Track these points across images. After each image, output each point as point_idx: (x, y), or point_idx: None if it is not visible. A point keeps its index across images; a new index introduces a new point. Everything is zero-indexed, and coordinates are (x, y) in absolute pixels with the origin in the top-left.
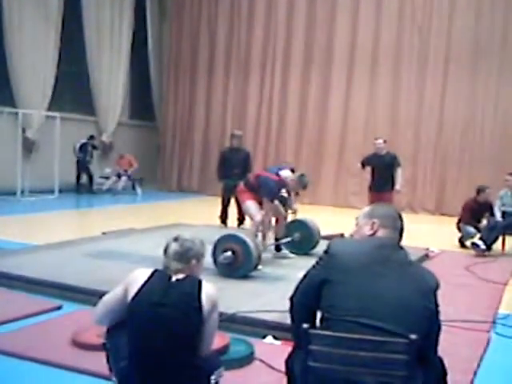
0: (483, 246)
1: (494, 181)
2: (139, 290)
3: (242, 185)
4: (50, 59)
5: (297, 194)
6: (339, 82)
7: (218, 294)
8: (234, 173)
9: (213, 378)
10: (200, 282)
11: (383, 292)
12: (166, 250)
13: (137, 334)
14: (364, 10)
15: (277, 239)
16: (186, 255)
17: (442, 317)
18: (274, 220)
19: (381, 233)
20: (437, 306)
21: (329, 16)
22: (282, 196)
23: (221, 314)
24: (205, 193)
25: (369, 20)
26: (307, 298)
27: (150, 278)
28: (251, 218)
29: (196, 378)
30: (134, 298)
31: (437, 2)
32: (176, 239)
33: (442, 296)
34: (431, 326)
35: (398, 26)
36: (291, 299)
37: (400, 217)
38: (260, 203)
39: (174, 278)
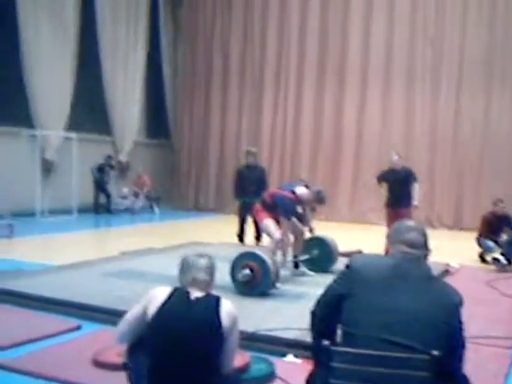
0: (504, 261)
1: None
2: (159, 309)
3: (258, 204)
4: (67, 81)
5: (313, 209)
6: (353, 97)
7: (237, 311)
8: (250, 190)
9: None
10: (219, 300)
11: (404, 307)
12: (189, 264)
13: (157, 352)
14: (376, 25)
15: (295, 256)
16: (212, 270)
17: (465, 333)
18: (292, 237)
19: (391, 249)
20: (460, 322)
21: (341, 31)
22: (298, 213)
23: (240, 333)
24: (221, 211)
25: (381, 34)
26: (328, 312)
27: (169, 297)
28: (270, 237)
29: None
30: (154, 317)
31: (449, 14)
32: (201, 255)
33: (463, 312)
34: (453, 342)
35: (411, 40)
36: (312, 313)
37: (415, 228)
38: (277, 221)
39: (193, 297)
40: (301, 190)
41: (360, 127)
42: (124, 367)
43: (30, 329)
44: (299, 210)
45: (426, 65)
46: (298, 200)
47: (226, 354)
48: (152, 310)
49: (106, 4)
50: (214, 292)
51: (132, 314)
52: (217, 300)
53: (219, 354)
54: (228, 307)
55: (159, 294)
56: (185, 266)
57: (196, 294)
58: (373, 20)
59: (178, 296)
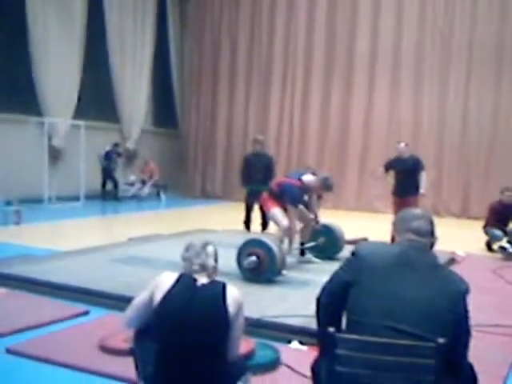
0: (511, 250)
1: None
2: (165, 295)
3: (265, 193)
4: (75, 69)
5: (320, 197)
6: (361, 85)
7: (242, 297)
8: (257, 178)
9: (240, 383)
10: (225, 286)
11: (409, 295)
12: (196, 251)
13: (163, 338)
14: (385, 15)
15: (302, 243)
16: (217, 257)
17: (470, 321)
18: (300, 224)
19: (397, 237)
20: (466, 310)
21: (350, 21)
22: (305, 201)
23: (246, 319)
24: (228, 198)
25: (390, 25)
26: (333, 299)
27: (176, 283)
28: (277, 225)
29: (224, 382)
30: (160, 303)
31: (458, 6)
32: (207, 242)
33: (469, 300)
34: (459, 330)
35: (420, 31)
36: (318, 300)
37: (422, 216)
38: (285, 209)
39: (199, 283)
40: (308, 178)
41: (367, 116)
42: (130, 353)
43: (38, 314)
44: (306, 197)
45: (435, 55)
46: (305, 187)
47: (231, 341)
48: (158, 295)
49: None
50: (220, 278)
51: (139, 299)
52: (223, 286)
53: (225, 341)
54: (234, 293)
55: (166, 280)
56: (190, 253)
57: (202, 280)
58: (381, 11)
59: (185, 282)
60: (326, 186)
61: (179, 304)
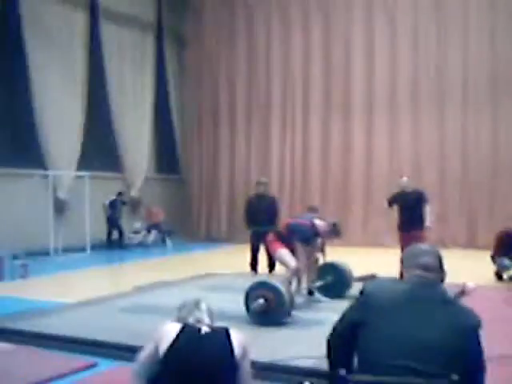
0: None
1: None
2: (171, 345)
3: (271, 235)
4: (77, 120)
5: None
6: (360, 123)
7: (246, 339)
8: (261, 219)
9: None
10: (227, 331)
11: (419, 332)
12: (191, 308)
13: None
14: (379, 51)
15: (309, 283)
16: (211, 314)
17: (484, 356)
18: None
19: (405, 274)
20: (479, 345)
21: (345, 60)
22: (314, 242)
23: (256, 363)
24: (234, 241)
25: (384, 60)
26: (344, 339)
27: (180, 333)
28: (286, 266)
29: None
30: (166, 354)
31: (452, 37)
32: (199, 301)
33: (482, 333)
34: (472, 365)
35: (414, 64)
36: (328, 341)
37: (429, 252)
38: (291, 251)
39: (203, 331)
40: (318, 222)
41: (368, 152)
42: None
43: (47, 368)
44: (317, 240)
45: (430, 88)
46: (315, 229)
47: (245, 377)
48: (163, 346)
49: (113, 47)
50: (229, 322)
51: (144, 353)
52: (226, 332)
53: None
54: (238, 337)
55: (170, 331)
56: (183, 312)
57: (205, 329)
58: (375, 47)
59: (189, 331)
60: (335, 231)
61: (186, 353)
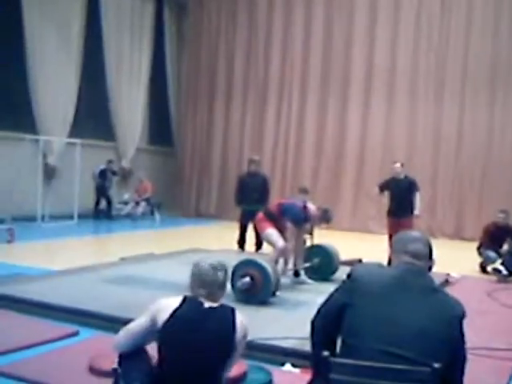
0: (505, 272)
1: None
2: (171, 316)
3: (260, 214)
4: (71, 87)
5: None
6: (356, 106)
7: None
8: (251, 198)
9: None
10: (234, 311)
11: (405, 319)
12: (204, 279)
13: (170, 358)
14: (380, 35)
15: (295, 265)
16: (226, 283)
17: (466, 345)
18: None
19: (394, 259)
20: (462, 334)
21: (345, 42)
22: (304, 224)
23: None
24: (223, 218)
25: (385, 45)
26: (328, 322)
27: (181, 304)
28: (272, 246)
29: None
30: (165, 325)
31: (453, 26)
32: (217, 268)
33: (464, 323)
34: (454, 354)
35: (414, 50)
36: (312, 322)
37: (419, 239)
38: (280, 231)
39: (207, 305)
40: (310, 205)
41: (363, 136)
42: (113, 372)
43: (28, 334)
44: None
45: (429, 75)
46: (307, 213)
47: (230, 365)
48: (163, 317)
49: (110, 14)
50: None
51: (137, 325)
52: (232, 311)
53: (227, 365)
54: (242, 319)
55: (169, 304)
56: (200, 279)
57: (209, 304)
58: (377, 30)
59: (191, 304)
60: (325, 217)
61: (187, 326)
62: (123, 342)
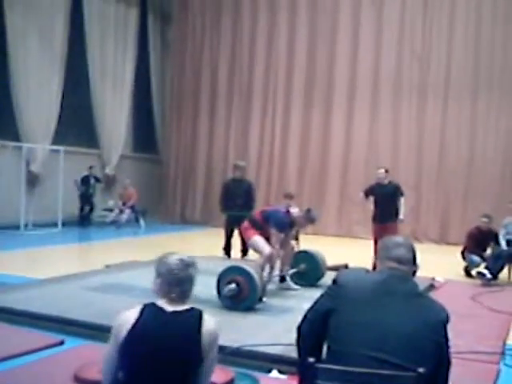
0: (489, 276)
1: (498, 209)
2: (131, 330)
3: (246, 222)
4: (54, 94)
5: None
6: (340, 112)
7: (218, 327)
8: (236, 204)
9: None
10: (201, 315)
11: (389, 324)
12: (173, 275)
13: (130, 374)
14: (363, 42)
15: (281, 270)
16: (194, 280)
17: (451, 350)
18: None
19: (379, 265)
20: (447, 339)
21: (329, 48)
22: (288, 230)
23: (225, 348)
24: (208, 224)
25: (368, 52)
26: (314, 328)
27: (140, 315)
28: (259, 253)
29: None
30: (124, 340)
31: (435, 31)
32: (187, 263)
33: (449, 327)
34: (439, 359)
35: (398, 57)
36: (298, 328)
37: (403, 244)
38: (266, 238)
39: (170, 310)
40: (292, 209)
41: (347, 142)
42: None
43: (11, 344)
44: (291, 230)
45: (412, 81)
46: (292, 218)
47: (203, 373)
48: (123, 332)
49: (94, 20)
50: (199, 306)
51: (107, 353)
52: (199, 315)
53: (196, 373)
54: (210, 324)
55: (128, 316)
56: (170, 279)
57: (173, 307)
58: (360, 38)
59: (151, 312)
60: (309, 218)
61: (147, 333)
62: (107, 375)
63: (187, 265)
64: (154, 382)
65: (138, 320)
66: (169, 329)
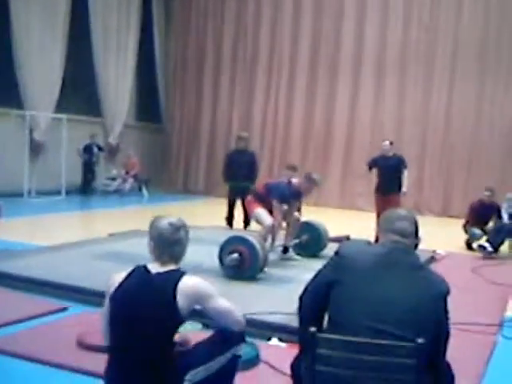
0: (490, 249)
1: (502, 182)
2: (117, 289)
3: (250, 196)
4: (58, 62)
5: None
6: (346, 83)
7: (203, 285)
8: (240, 174)
9: (187, 377)
10: (182, 275)
11: (390, 296)
12: (164, 237)
13: (114, 330)
14: (370, 11)
15: (286, 241)
16: (186, 243)
17: (450, 321)
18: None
19: (381, 238)
20: (446, 311)
21: (335, 18)
22: (292, 201)
23: None
24: (211, 194)
25: (375, 21)
26: (316, 298)
27: (127, 277)
28: (261, 225)
29: (168, 378)
30: (111, 300)
31: (443, 9)
32: (177, 226)
33: (449, 299)
34: (439, 330)
35: (405, 26)
36: (300, 298)
37: (405, 217)
38: (269, 211)
39: (154, 271)
40: (294, 180)
41: (352, 113)
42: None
43: (15, 310)
44: (296, 199)
45: (419, 53)
46: (295, 188)
47: (219, 318)
48: (110, 293)
49: None
50: (201, 275)
51: (103, 312)
52: (180, 275)
53: (172, 332)
54: (189, 282)
55: (117, 278)
56: (159, 243)
57: (160, 268)
58: (367, 7)
59: (137, 273)
60: (312, 180)
61: (130, 294)
62: (105, 333)
63: (177, 228)
64: (133, 339)
65: (124, 280)
66: (147, 288)
